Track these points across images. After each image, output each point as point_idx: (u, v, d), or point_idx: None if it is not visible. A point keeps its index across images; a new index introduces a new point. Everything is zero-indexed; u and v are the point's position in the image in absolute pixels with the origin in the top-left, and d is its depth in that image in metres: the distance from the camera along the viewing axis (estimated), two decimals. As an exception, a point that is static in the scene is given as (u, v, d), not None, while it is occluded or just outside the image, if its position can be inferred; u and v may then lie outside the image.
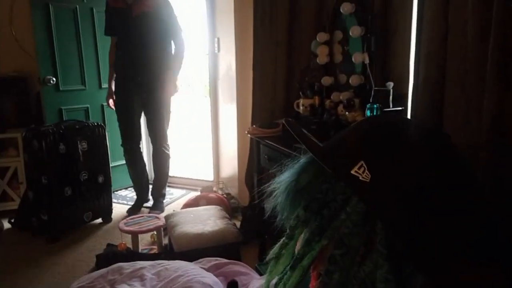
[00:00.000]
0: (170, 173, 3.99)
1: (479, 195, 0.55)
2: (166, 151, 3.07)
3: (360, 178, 0.50)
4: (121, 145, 3.05)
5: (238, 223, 2.55)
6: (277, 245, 0.65)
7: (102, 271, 1.38)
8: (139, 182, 3.16)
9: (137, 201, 3.16)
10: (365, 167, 0.51)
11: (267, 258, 0.66)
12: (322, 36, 2.03)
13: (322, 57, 2.05)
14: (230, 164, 3.25)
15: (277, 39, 2.37)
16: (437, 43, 1.42)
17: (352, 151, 0.54)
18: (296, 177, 0.61)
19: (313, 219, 0.56)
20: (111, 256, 2.20)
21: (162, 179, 3.16)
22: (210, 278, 1.28)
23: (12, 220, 2.82)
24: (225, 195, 3.02)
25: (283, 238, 0.63)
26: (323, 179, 0.57)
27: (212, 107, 3.52)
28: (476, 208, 0.53)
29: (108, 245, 2.50)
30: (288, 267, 0.59)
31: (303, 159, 0.62)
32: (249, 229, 2.43)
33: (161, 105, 2.95)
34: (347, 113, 1.78)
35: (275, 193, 0.63)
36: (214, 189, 3.28)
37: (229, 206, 2.86)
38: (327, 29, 2.05)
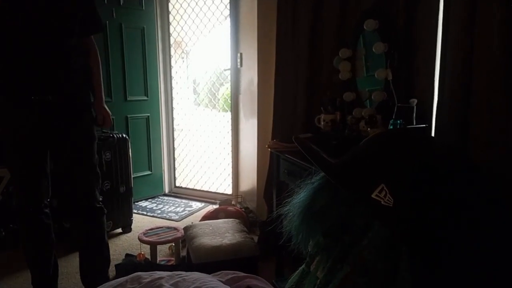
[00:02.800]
0: (190, 185, 4.05)
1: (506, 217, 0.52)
2: (101, 206, 1.95)
3: (382, 202, 0.48)
4: (17, 207, 1.85)
5: (255, 238, 2.53)
6: (296, 273, 0.61)
7: (121, 279, 1.39)
8: (42, 265, 1.93)
9: None
10: (387, 190, 0.49)
11: (286, 287, 0.64)
12: (344, 52, 2.04)
13: (344, 73, 2.05)
14: (249, 178, 3.26)
15: (299, 54, 2.39)
16: (462, 60, 1.40)
17: (371, 172, 0.52)
18: (311, 200, 0.58)
19: (334, 245, 0.54)
20: (130, 266, 2.22)
21: (103, 252, 2.00)
22: (227, 291, 1.27)
23: (36, 227, 2.89)
24: (243, 209, 3.02)
25: (303, 266, 0.60)
26: (339, 201, 0.55)
27: (233, 121, 3.56)
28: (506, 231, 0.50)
29: (127, 255, 2.53)
30: None
31: (316, 180, 0.60)
32: (267, 244, 2.41)
33: (90, 138, 1.90)
34: (369, 129, 1.77)
35: (289, 217, 0.61)
36: (233, 202, 3.28)
37: (247, 220, 2.85)
38: (350, 45, 2.06)
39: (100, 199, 1.96)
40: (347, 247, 0.52)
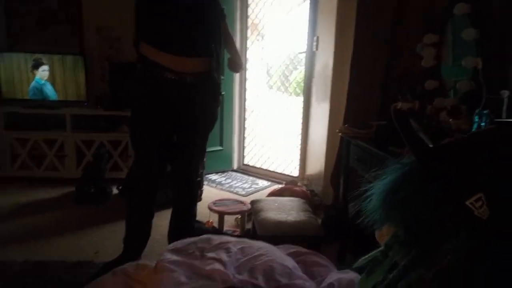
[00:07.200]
0: (257, 164, 4.17)
1: None
2: (199, 180, 2.09)
3: (475, 213, 0.44)
4: (135, 179, 2.08)
5: (319, 220, 2.56)
6: (368, 257, 0.60)
7: (193, 239, 1.51)
8: (141, 231, 2.07)
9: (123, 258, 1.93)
10: (484, 201, 0.44)
11: (357, 264, 0.62)
12: (430, 38, 1.94)
13: (428, 60, 1.96)
14: (317, 162, 3.27)
15: (379, 38, 2.32)
16: None
17: (472, 177, 0.47)
18: (395, 185, 0.55)
19: (413, 243, 0.51)
20: (199, 231, 2.39)
21: (190, 220, 2.23)
22: (290, 262, 1.34)
23: (120, 188, 3.22)
24: (309, 191, 3.05)
25: (377, 253, 0.57)
26: (426, 195, 0.50)
27: (305, 104, 3.57)
28: None
29: (197, 221, 2.71)
30: None
31: (407, 164, 0.56)
32: (330, 228, 2.42)
33: (213, 119, 2.07)
34: (451, 120, 1.68)
35: (369, 195, 0.59)
36: (299, 184, 3.32)
37: (312, 202, 2.88)
38: (437, 30, 1.95)
39: (201, 172, 2.12)
40: (427, 248, 0.48)
